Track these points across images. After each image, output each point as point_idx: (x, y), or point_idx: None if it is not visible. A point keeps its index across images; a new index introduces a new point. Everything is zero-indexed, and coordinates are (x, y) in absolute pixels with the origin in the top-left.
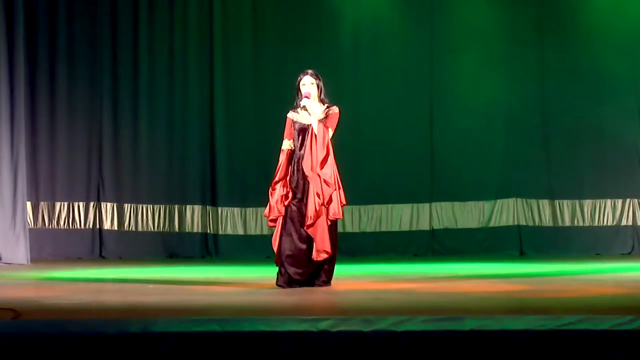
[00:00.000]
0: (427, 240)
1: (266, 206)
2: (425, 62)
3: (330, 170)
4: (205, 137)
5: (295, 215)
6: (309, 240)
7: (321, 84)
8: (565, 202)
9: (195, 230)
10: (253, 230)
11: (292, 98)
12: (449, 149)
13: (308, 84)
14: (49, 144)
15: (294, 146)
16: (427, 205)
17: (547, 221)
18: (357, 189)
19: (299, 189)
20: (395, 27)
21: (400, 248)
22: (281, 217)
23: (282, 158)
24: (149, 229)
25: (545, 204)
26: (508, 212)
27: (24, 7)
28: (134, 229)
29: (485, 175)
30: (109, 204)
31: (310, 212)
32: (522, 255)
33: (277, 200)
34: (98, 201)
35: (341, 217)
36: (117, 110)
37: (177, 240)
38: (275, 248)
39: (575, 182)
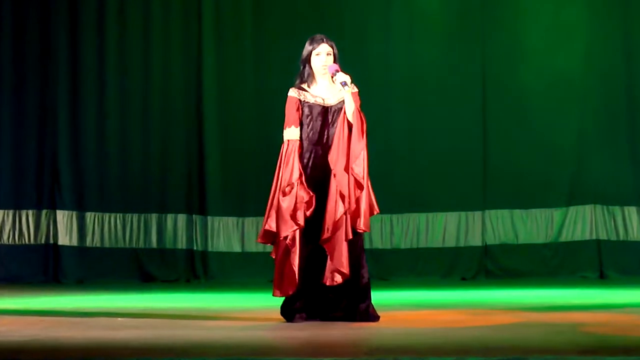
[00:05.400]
0: (479, 260)
1: (267, 217)
2: (476, 27)
3: (364, 166)
4: (192, 128)
5: (312, 226)
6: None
7: (337, 53)
8: None
9: (178, 246)
10: (253, 246)
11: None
12: (506, 141)
13: (324, 55)
14: None
15: (307, 135)
16: (478, 213)
17: (635, 234)
18: (388, 193)
19: (317, 192)
20: None
21: (444, 270)
22: (298, 232)
23: (292, 153)
24: (119, 245)
25: (632, 212)
26: (584, 222)
27: None
28: (99, 244)
29: (554, 174)
30: (66, 213)
31: (329, 221)
32: (601, 278)
33: (293, 210)
34: (52, 209)
35: (369, 229)
36: (76, 89)
37: (156, 259)
38: (294, 270)
39: None
